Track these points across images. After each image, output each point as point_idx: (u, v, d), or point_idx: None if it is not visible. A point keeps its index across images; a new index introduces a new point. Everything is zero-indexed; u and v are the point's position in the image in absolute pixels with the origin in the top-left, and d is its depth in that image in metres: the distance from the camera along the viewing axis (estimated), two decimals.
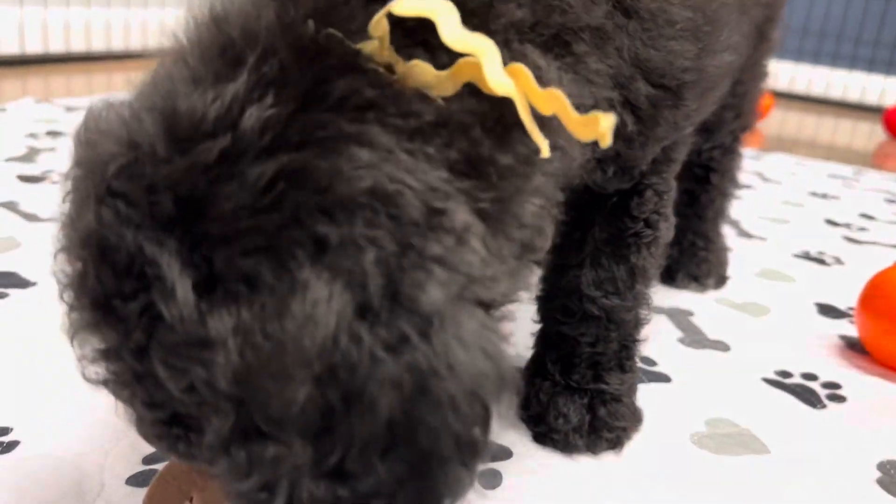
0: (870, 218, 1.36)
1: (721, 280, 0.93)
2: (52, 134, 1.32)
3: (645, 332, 0.61)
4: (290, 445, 0.29)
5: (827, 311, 0.89)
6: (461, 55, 0.32)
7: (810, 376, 0.72)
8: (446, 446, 0.29)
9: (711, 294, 0.91)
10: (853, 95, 2.96)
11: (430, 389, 0.28)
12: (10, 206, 0.94)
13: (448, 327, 0.29)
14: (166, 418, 0.31)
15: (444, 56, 0.33)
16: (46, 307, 0.70)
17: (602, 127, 0.33)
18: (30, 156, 1.17)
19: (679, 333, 0.79)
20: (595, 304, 0.57)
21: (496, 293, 0.33)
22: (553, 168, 0.38)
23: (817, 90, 3.01)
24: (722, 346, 0.77)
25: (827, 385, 0.71)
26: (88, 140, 0.33)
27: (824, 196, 1.49)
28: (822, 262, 1.08)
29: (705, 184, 0.91)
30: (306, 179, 0.29)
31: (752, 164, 1.72)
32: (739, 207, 1.33)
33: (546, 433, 0.57)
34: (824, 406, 0.67)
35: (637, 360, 0.61)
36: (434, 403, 0.28)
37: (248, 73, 0.30)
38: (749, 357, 0.75)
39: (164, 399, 0.30)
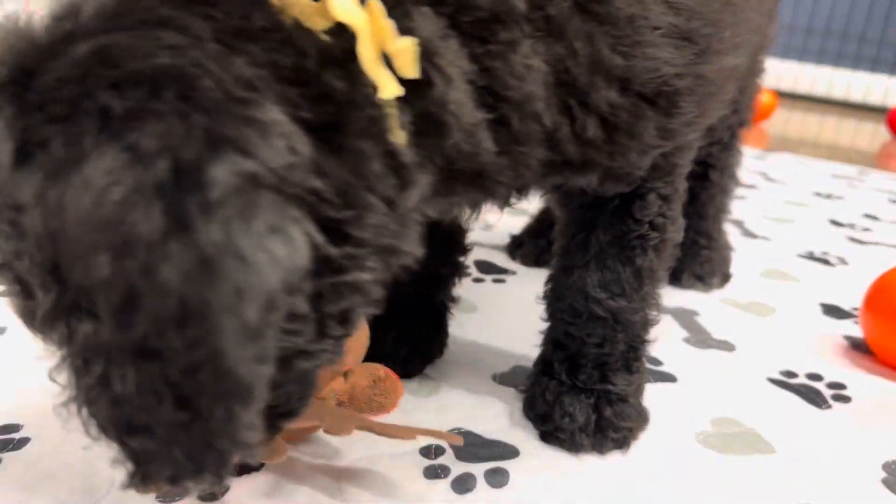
0: (874, 218, 1.37)
1: (725, 278, 0.93)
2: None
3: (652, 332, 0.61)
4: (100, 321, 0.30)
5: (832, 311, 0.89)
6: None
7: (815, 376, 0.73)
8: (231, 332, 0.28)
9: (716, 294, 0.91)
10: (857, 95, 2.96)
11: (213, 271, 0.28)
12: None
13: (235, 210, 0.28)
14: (11, 279, 0.33)
15: None
16: None
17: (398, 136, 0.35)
18: None
19: (685, 333, 0.79)
20: (601, 306, 0.57)
21: (309, 193, 0.32)
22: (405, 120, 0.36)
23: (820, 90, 3.02)
24: (727, 346, 0.77)
25: (832, 385, 0.71)
26: None
27: (828, 196, 1.50)
28: (826, 262, 1.08)
29: (705, 181, 0.91)
30: (108, 56, 0.30)
31: (755, 163, 1.72)
32: (743, 207, 1.33)
33: (552, 432, 0.58)
34: (829, 406, 0.68)
35: (645, 360, 0.61)
36: (216, 286, 0.28)
37: None
38: (754, 357, 0.75)
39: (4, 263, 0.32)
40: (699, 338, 0.78)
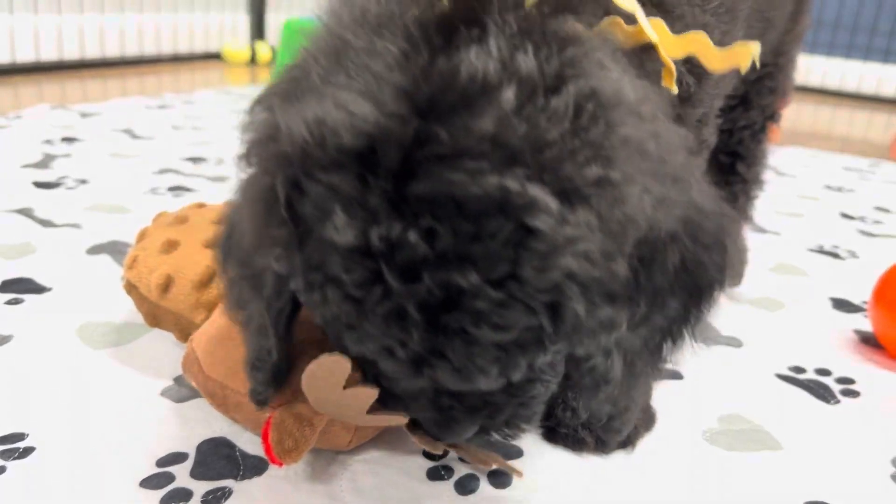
0: (885, 210, 1.35)
1: (738, 277, 0.92)
2: (68, 140, 1.34)
3: None
4: (616, 314, 0.36)
5: (841, 305, 0.89)
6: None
7: (824, 371, 0.72)
8: (713, 274, 0.39)
9: (727, 291, 0.90)
10: (868, 87, 2.93)
11: (696, 235, 0.38)
12: (26, 213, 0.95)
13: (696, 186, 0.39)
14: (513, 338, 0.35)
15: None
16: (61, 313, 0.70)
17: (744, 55, 0.43)
18: (45, 162, 1.19)
19: None
20: None
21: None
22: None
23: (832, 82, 2.99)
24: (735, 343, 0.76)
25: (840, 380, 0.71)
26: (353, 128, 0.34)
27: (839, 189, 1.48)
28: (836, 255, 1.07)
29: (731, 173, 0.90)
30: (600, 97, 0.34)
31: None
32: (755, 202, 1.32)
33: (555, 427, 0.57)
34: (838, 401, 0.67)
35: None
36: (702, 244, 0.38)
37: (492, 36, 0.35)
38: (762, 353, 0.75)
39: (515, 316, 0.34)
40: (707, 334, 0.78)
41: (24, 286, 0.75)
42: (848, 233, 1.19)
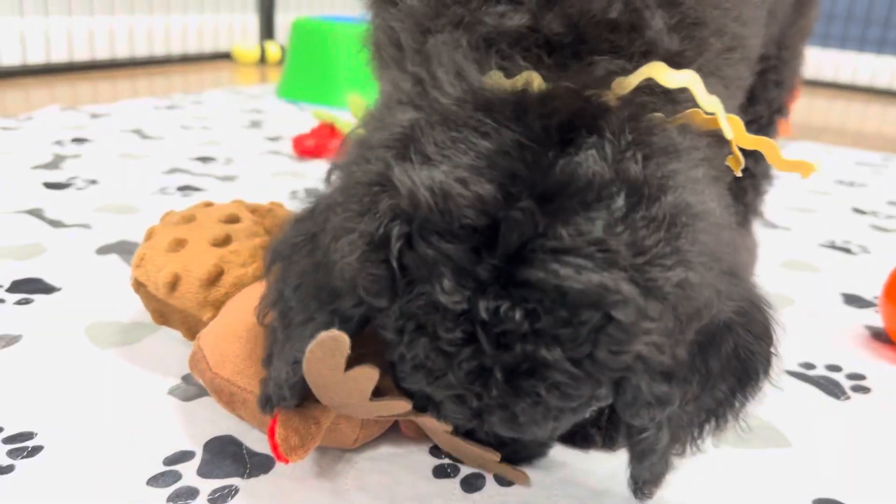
0: None
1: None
2: (78, 140, 1.34)
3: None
4: (672, 391, 0.40)
5: (852, 300, 0.88)
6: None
7: (834, 367, 0.71)
8: (761, 362, 0.44)
9: None
10: (882, 81, 2.91)
11: (749, 326, 0.42)
12: (36, 213, 0.96)
13: (749, 283, 0.44)
14: (576, 405, 0.40)
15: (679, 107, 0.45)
16: (70, 313, 0.71)
17: (813, 168, 0.49)
18: (55, 163, 1.19)
19: None
20: None
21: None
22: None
23: (845, 76, 2.97)
24: None
25: (851, 376, 0.70)
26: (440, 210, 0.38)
27: (851, 184, 1.47)
28: (847, 251, 1.07)
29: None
30: (691, 210, 0.39)
31: None
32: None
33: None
34: (848, 397, 0.66)
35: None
36: (753, 335, 0.43)
37: (608, 142, 0.38)
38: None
39: (584, 389, 0.39)
40: None
41: (33, 286, 0.76)
42: (860, 228, 1.18)
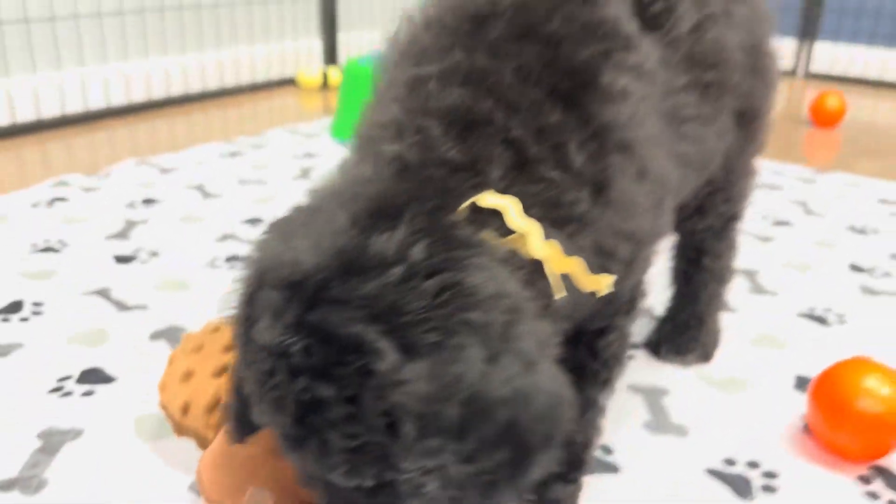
0: None
1: (705, 356, 1.02)
2: (147, 202, 1.54)
3: (614, 415, 0.78)
4: (444, 444, 0.45)
5: (803, 384, 0.97)
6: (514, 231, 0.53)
7: (753, 464, 0.82)
8: (538, 442, 0.47)
9: (696, 369, 1.01)
10: None
11: (529, 405, 0.47)
12: (104, 294, 1.15)
13: (538, 368, 0.48)
14: (358, 444, 0.46)
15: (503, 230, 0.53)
16: (122, 405, 0.89)
17: (605, 283, 0.57)
18: (125, 231, 1.39)
19: (647, 417, 0.90)
20: None
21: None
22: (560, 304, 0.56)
23: None
24: (681, 431, 0.87)
25: (766, 474, 0.81)
26: (272, 267, 0.49)
27: (862, 231, 1.52)
28: (823, 321, 1.15)
29: (697, 266, 1.00)
30: (461, 288, 0.46)
31: (800, 190, 1.75)
32: (767, 252, 1.39)
33: None
34: (753, 498, 0.78)
35: (583, 472, 0.74)
36: (531, 413, 0.47)
37: (404, 227, 0.48)
38: (703, 443, 0.85)
39: (359, 429, 0.45)
40: (658, 421, 0.89)
41: (96, 377, 0.94)
42: (849, 290, 1.25)
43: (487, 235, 0.52)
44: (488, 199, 0.52)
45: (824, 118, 2.39)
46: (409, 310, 0.45)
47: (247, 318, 0.50)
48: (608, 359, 0.70)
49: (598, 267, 0.59)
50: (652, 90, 0.64)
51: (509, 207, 0.53)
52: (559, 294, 0.55)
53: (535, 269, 0.53)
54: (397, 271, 0.46)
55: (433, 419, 0.45)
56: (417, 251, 0.47)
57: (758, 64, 0.82)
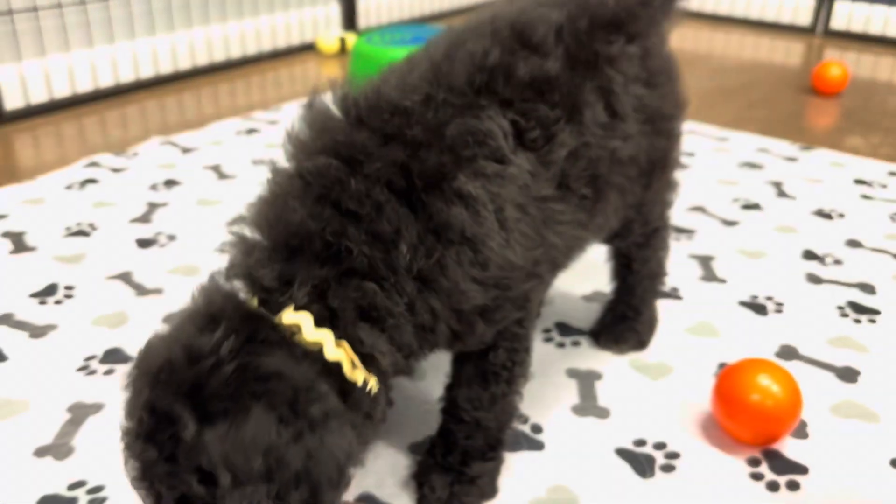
0: (857, 245, 1.49)
1: (641, 345, 1.15)
2: (169, 183, 1.71)
3: (549, 398, 0.94)
4: (256, 487, 0.58)
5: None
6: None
7: (660, 445, 0.97)
8: (325, 478, 0.61)
9: (631, 356, 1.14)
10: None
11: (316, 458, 0.60)
12: (125, 278, 1.33)
13: (324, 430, 0.60)
14: (182, 494, 0.59)
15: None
16: None
17: (370, 385, 0.68)
18: (147, 215, 1.56)
19: (576, 401, 1.05)
20: (468, 414, 0.86)
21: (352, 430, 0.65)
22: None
23: None
24: (603, 414, 1.02)
25: (669, 455, 0.95)
26: (145, 360, 0.63)
27: (829, 216, 1.61)
28: (761, 309, 1.26)
29: (629, 269, 1.13)
30: (250, 374, 0.59)
31: (782, 169, 1.84)
32: (727, 238, 1.50)
33: (419, 500, 0.87)
34: (653, 475, 0.92)
35: (501, 450, 0.89)
36: (318, 462, 0.60)
37: (222, 330, 0.61)
38: (620, 425, 1.00)
39: (179, 482, 0.58)
40: (585, 404, 1.04)
41: (116, 357, 1.12)
42: (795, 278, 1.36)
43: (298, 339, 0.64)
44: (286, 316, 0.64)
45: (826, 86, 2.44)
46: (207, 392, 0.58)
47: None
48: (501, 368, 0.84)
49: (423, 341, 0.73)
50: (510, 194, 0.74)
51: (303, 322, 0.64)
52: (360, 382, 0.67)
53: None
54: (209, 361, 0.59)
55: (243, 469, 0.57)
56: (226, 346, 0.60)
57: (660, 128, 0.93)
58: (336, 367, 0.65)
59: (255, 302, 0.67)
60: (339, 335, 0.66)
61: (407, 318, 0.70)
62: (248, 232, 0.71)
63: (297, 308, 0.65)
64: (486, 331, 0.78)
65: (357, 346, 0.67)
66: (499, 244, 0.72)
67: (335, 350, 0.65)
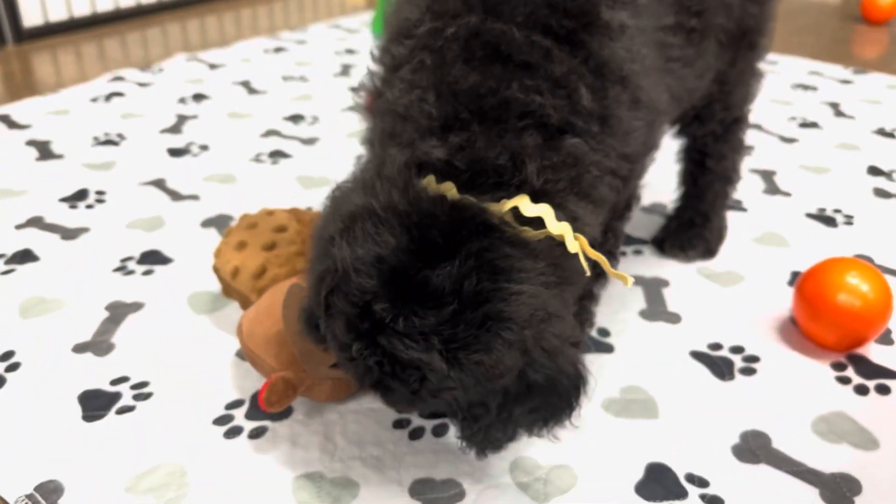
0: None
1: (708, 252, 1.09)
2: (198, 97, 1.63)
3: (614, 304, 0.90)
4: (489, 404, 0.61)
5: (796, 278, 1.04)
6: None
7: (737, 349, 0.91)
8: (564, 385, 0.62)
9: (698, 264, 1.08)
10: None
11: (557, 361, 0.61)
12: (159, 184, 1.27)
13: (561, 355, 0.61)
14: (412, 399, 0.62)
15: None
16: (178, 283, 1.01)
17: (627, 281, 0.65)
18: (177, 126, 1.49)
19: (643, 306, 0.98)
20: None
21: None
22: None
23: None
24: (674, 319, 0.96)
25: (747, 358, 0.89)
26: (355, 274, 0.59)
27: (891, 135, 1.54)
28: (830, 221, 1.20)
29: (702, 167, 1.06)
30: (500, 315, 0.57)
31: (837, 91, 1.75)
32: (788, 154, 1.43)
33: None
34: (732, 378, 0.86)
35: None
36: (559, 367, 0.61)
37: (458, 263, 0.56)
38: (693, 329, 0.94)
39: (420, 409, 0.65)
40: (654, 309, 0.98)
41: (154, 258, 1.07)
42: (862, 192, 1.29)
43: (527, 233, 0.60)
44: (527, 208, 0.60)
45: (875, 14, 2.33)
46: (458, 338, 0.56)
47: (325, 307, 0.61)
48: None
49: (612, 188, 0.68)
50: (646, 23, 0.69)
51: (546, 215, 0.60)
52: (587, 270, 0.64)
53: (564, 251, 0.62)
54: (449, 310, 0.56)
55: (469, 404, 0.61)
56: (467, 285, 0.56)
57: None
58: (564, 256, 0.62)
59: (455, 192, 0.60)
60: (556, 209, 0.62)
61: (602, 166, 0.66)
62: (399, 112, 0.65)
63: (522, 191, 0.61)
64: (636, 183, 0.77)
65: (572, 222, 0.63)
66: (643, 80, 0.68)
67: (573, 243, 0.62)
